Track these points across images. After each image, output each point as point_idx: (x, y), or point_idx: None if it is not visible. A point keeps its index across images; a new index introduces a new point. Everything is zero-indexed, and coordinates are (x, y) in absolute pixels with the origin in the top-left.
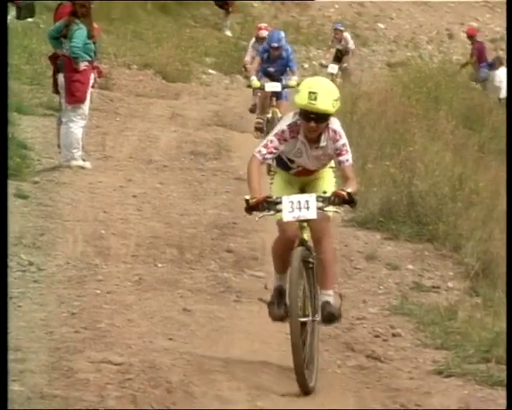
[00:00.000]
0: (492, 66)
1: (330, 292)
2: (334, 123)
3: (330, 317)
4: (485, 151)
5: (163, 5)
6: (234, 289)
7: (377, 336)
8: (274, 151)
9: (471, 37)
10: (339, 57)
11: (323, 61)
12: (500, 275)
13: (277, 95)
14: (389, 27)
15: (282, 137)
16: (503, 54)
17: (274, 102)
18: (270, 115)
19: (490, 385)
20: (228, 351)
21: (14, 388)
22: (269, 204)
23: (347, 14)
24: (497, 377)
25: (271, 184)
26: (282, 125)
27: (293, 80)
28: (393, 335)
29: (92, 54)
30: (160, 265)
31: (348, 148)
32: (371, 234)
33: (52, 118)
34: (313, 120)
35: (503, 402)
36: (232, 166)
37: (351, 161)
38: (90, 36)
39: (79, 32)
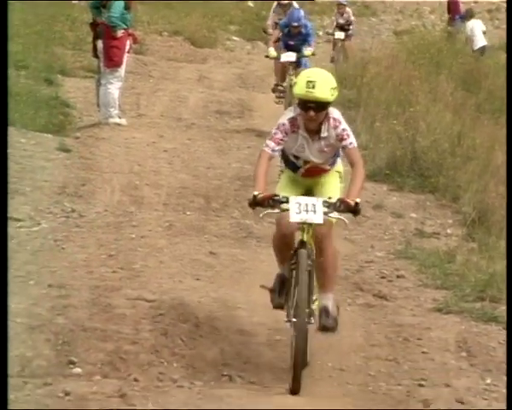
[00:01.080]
0: (464, 18)
1: (330, 296)
2: (334, 113)
3: (325, 329)
4: (481, 111)
5: None
6: (255, 235)
7: (383, 278)
8: (281, 142)
9: None
10: (342, 27)
11: (329, 30)
12: (494, 223)
13: (297, 64)
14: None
15: (283, 130)
16: (498, 23)
17: (291, 71)
18: (286, 83)
19: (484, 321)
20: (249, 290)
21: (58, 321)
22: (275, 202)
23: None
24: (490, 314)
25: (278, 181)
26: (283, 119)
27: (308, 50)
28: (398, 276)
29: (128, 23)
30: (188, 212)
31: (350, 132)
32: (378, 186)
33: (92, 80)
34: (312, 108)
35: (495, 336)
36: (254, 123)
37: (355, 144)
38: (126, 7)
39: (117, 3)
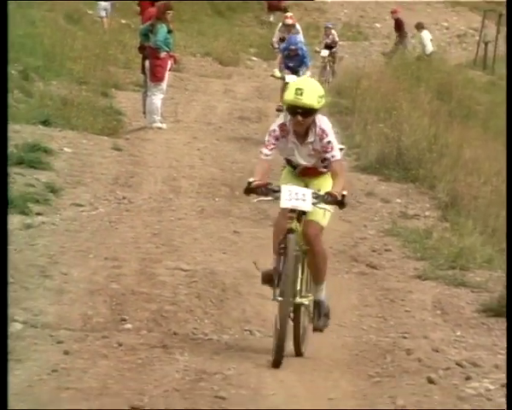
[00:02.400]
0: (417, 28)
1: (322, 287)
2: (323, 121)
3: (317, 330)
4: (452, 117)
5: (219, 10)
6: (270, 217)
7: (374, 251)
8: (273, 146)
9: (394, 12)
10: (328, 46)
11: (317, 49)
12: (463, 206)
13: None
14: (383, 26)
15: (274, 136)
16: (465, 45)
17: None
18: None
19: (455, 285)
20: (266, 261)
21: (112, 286)
22: (268, 190)
23: (353, 17)
24: (460, 280)
25: (281, 174)
26: (274, 126)
27: (306, 73)
28: (386, 250)
29: (170, 46)
30: (216, 199)
31: (335, 145)
32: (370, 177)
33: (139, 92)
34: (299, 114)
35: (463, 298)
36: (269, 127)
37: (338, 156)
38: (169, 31)
39: (162, 30)
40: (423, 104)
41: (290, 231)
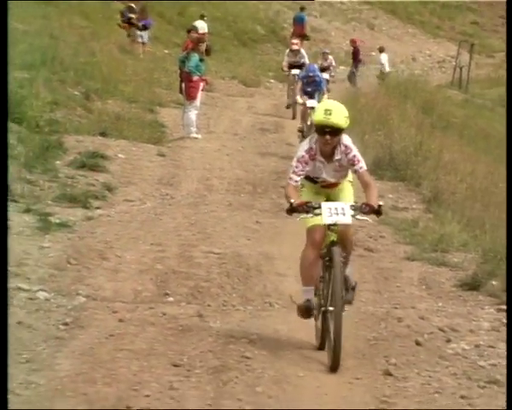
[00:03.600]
0: (379, 51)
1: (349, 268)
2: (346, 139)
3: (347, 303)
4: (434, 127)
5: (244, 41)
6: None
7: (371, 237)
8: (301, 173)
9: (353, 42)
10: (324, 69)
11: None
12: (444, 200)
13: (314, 108)
14: (377, 54)
15: (303, 161)
16: (444, 70)
17: (311, 113)
18: (309, 122)
19: (437, 265)
20: (282, 246)
21: (158, 267)
22: (309, 208)
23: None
24: (441, 260)
25: (301, 192)
26: (301, 152)
27: (324, 98)
28: (380, 236)
29: (202, 71)
30: (242, 195)
31: (360, 157)
32: None
33: (179, 109)
34: (328, 133)
35: (444, 275)
36: (284, 136)
37: (365, 167)
38: (201, 60)
39: (194, 59)
40: (410, 117)
41: (333, 243)
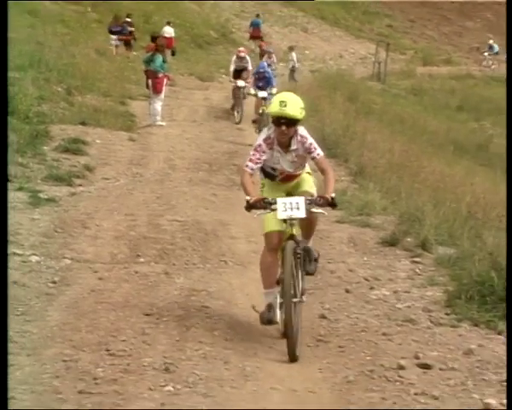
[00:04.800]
0: (289, 49)
1: (310, 242)
2: (301, 130)
3: (309, 273)
4: (358, 113)
5: (199, 44)
6: (237, 184)
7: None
8: (258, 161)
9: (261, 46)
10: (269, 65)
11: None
12: (367, 174)
13: (265, 99)
14: (311, 52)
15: (260, 150)
16: (365, 65)
17: (263, 103)
18: (261, 111)
19: (362, 226)
20: (235, 214)
21: (131, 233)
22: (265, 204)
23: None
24: (365, 222)
25: (261, 192)
26: (259, 140)
27: (273, 90)
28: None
29: (164, 69)
30: (200, 172)
31: (316, 145)
32: None
33: (145, 101)
34: (284, 124)
35: (368, 234)
36: (235, 123)
37: (321, 153)
38: (164, 60)
39: (159, 59)
40: (339, 105)
41: (291, 237)
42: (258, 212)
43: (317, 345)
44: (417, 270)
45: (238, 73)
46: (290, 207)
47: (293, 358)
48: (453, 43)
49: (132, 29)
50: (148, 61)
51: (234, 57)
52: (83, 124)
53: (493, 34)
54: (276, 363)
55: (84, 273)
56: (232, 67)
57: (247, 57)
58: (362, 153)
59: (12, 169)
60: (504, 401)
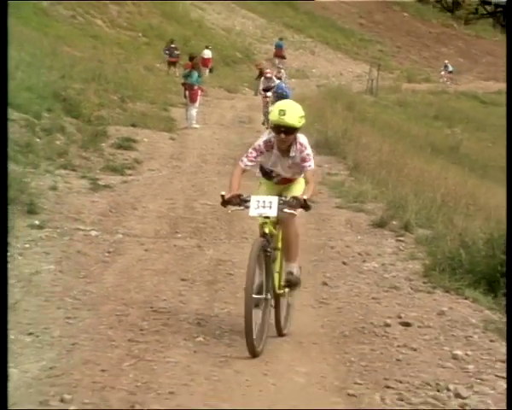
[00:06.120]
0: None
1: (293, 264)
2: (302, 138)
3: (291, 283)
4: (355, 119)
5: (228, 63)
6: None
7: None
8: (253, 160)
9: (258, 65)
10: (279, 78)
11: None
12: (362, 169)
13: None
14: (317, 70)
15: (259, 150)
16: (361, 81)
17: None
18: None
19: (357, 211)
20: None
21: (170, 214)
22: (240, 201)
23: (300, 65)
24: (360, 208)
25: (258, 189)
26: (260, 141)
27: None
28: (319, 192)
29: (199, 82)
30: (227, 166)
31: (311, 157)
32: None
33: (183, 108)
34: (283, 132)
35: (362, 217)
36: (255, 126)
37: (313, 166)
38: (199, 76)
39: (194, 74)
40: (339, 113)
41: (263, 235)
42: (233, 208)
43: (320, 306)
44: (401, 247)
45: (265, 91)
46: (263, 206)
47: (253, 353)
48: (431, 65)
49: (179, 52)
50: (186, 76)
51: (262, 78)
52: (133, 126)
53: (463, 58)
54: None
55: (132, 245)
56: (261, 86)
57: (274, 77)
58: (357, 152)
59: (77, 161)
60: (470, 353)
